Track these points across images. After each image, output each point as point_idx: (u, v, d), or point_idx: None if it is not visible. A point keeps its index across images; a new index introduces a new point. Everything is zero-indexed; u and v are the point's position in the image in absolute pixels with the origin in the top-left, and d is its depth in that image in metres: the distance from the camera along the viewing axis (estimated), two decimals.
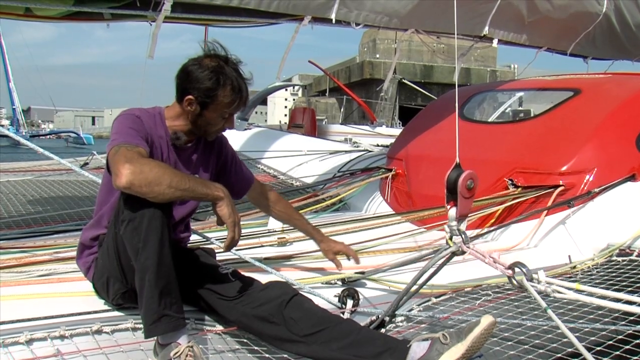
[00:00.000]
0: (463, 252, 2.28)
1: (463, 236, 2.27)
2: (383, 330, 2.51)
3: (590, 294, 2.17)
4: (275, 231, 3.66)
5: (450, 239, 2.29)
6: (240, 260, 2.83)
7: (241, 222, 2.50)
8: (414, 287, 2.50)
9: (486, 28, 5.47)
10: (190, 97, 2.36)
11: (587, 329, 2.44)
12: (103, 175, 2.46)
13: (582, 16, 6.18)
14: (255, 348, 2.28)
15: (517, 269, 2.10)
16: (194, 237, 2.82)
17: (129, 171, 2.00)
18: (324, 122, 20.24)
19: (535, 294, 2.05)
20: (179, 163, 2.46)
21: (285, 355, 2.23)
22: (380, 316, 2.53)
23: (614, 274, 3.15)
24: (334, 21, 4.55)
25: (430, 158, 4.71)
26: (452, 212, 2.27)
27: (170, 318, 2.08)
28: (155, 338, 2.12)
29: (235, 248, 2.78)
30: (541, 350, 2.32)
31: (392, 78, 24.34)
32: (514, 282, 2.10)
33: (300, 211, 4.53)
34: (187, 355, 2.04)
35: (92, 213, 2.56)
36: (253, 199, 2.91)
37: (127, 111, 2.39)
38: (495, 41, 5.98)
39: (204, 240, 2.85)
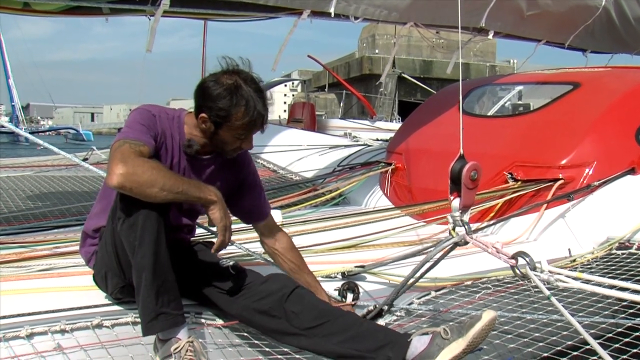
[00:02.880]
0: (466, 243, 2.28)
1: (466, 227, 2.27)
2: (381, 320, 2.51)
3: (594, 283, 2.16)
4: (284, 232, 3.66)
5: (454, 229, 2.29)
6: (241, 253, 2.83)
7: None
8: (413, 279, 2.50)
9: (484, 20, 5.47)
10: (204, 115, 2.27)
11: (586, 322, 2.44)
12: None
13: (582, 9, 6.18)
14: (256, 342, 2.28)
15: (520, 259, 2.09)
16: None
17: (121, 171, 1.98)
18: (323, 117, 20.24)
19: (538, 282, 2.05)
20: (189, 171, 2.38)
21: (286, 349, 2.24)
22: (378, 306, 2.53)
23: (613, 267, 3.16)
24: (332, 15, 4.54)
25: (430, 152, 4.71)
26: (456, 202, 2.27)
27: (168, 316, 2.07)
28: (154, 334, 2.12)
29: (238, 242, 2.78)
30: (541, 343, 2.33)
31: (391, 73, 24.34)
32: (517, 271, 2.10)
33: (300, 205, 4.56)
34: (187, 351, 2.03)
35: (92, 206, 2.55)
36: (260, 234, 2.67)
37: (145, 106, 2.33)
38: (491, 33, 5.98)
39: (207, 234, 2.84)
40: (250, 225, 2.68)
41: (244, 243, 2.92)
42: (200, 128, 2.32)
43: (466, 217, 2.30)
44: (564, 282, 2.09)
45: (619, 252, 3.44)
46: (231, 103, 2.22)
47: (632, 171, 3.99)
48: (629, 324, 2.41)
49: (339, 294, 2.66)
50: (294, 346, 2.23)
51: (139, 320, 2.15)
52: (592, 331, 2.37)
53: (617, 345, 2.24)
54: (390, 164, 5.04)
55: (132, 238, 2.06)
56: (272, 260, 2.70)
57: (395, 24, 6.01)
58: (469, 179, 2.25)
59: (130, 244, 2.07)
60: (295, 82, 47.44)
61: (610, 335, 2.35)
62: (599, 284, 2.15)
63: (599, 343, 2.12)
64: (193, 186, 2.12)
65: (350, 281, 2.74)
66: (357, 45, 31.68)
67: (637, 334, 2.33)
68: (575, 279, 2.10)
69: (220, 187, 2.34)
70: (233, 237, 2.62)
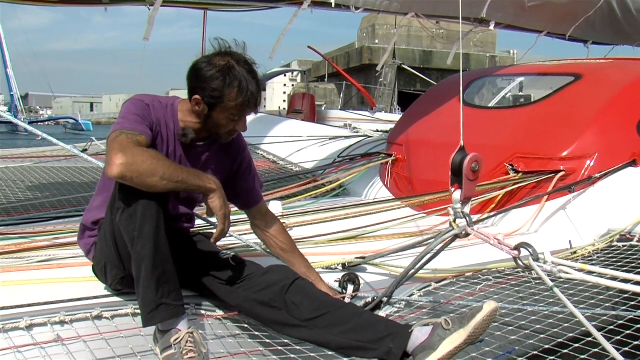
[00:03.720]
0: (467, 235, 2.27)
1: (467, 219, 2.25)
2: (381, 311, 2.51)
3: (597, 275, 2.15)
4: (276, 216, 3.65)
5: (454, 221, 2.28)
6: (241, 244, 2.82)
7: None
8: (413, 270, 2.49)
9: (485, 11, 5.45)
10: (197, 97, 2.26)
11: (587, 314, 2.43)
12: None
13: (583, 0, 6.16)
14: (256, 333, 2.28)
15: (523, 250, 2.08)
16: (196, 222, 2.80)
17: (121, 161, 1.97)
18: (323, 108, 20.22)
19: (541, 273, 2.04)
20: (184, 159, 2.37)
21: (286, 340, 2.23)
22: (377, 298, 2.52)
23: (614, 259, 3.16)
24: (333, 5, 4.54)
25: (430, 143, 4.70)
26: (457, 194, 2.25)
27: (168, 306, 2.07)
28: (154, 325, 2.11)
29: (237, 233, 2.77)
30: (542, 335, 2.32)
31: (391, 63, 24.29)
32: (520, 263, 2.09)
33: (300, 197, 4.55)
34: (187, 342, 2.03)
35: (91, 198, 2.54)
36: (253, 219, 2.65)
37: (137, 97, 2.31)
38: (492, 24, 5.96)
39: (207, 225, 2.83)
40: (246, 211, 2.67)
41: (243, 234, 2.91)
42: (194, 111, 2.31)
43: (467, 209, 2.29)
44: (567, 273, 2.08)
45: (620, 244, 3.44)
46: (224, 84, 2.21)
47: (633, 163, 3.99)
48: (630, 316, 2.41)
49: (339, 286, 2.66)
50: (294, 337, 2.23)
51: (138, 311, 2.14)
52: (594, 323, 2.36)
53: (618, 338, 2.23)
54: (390, 155, 5.03)
55: (132, 228, 2.05)
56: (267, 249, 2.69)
57: (396, 15, 5.98)
58: (470, 170, 2.24)
59: (130, 235, 2.06)
60: (295, 72, 47.37)
61: (611, 327, 2.35)
62: (602, 276, 2.14)
63: (601, 335, 2.11)
64: (193, 175, 2.12)
65: (351, 272, 2.73)
66: (357, 35, 31.60)
67: (639, 326, 2.33)
68: (578, 270, 2.09)
69: (216, 173, 2.34)
70: (233, 229, 2.61)
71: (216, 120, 2.30)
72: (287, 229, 3.46)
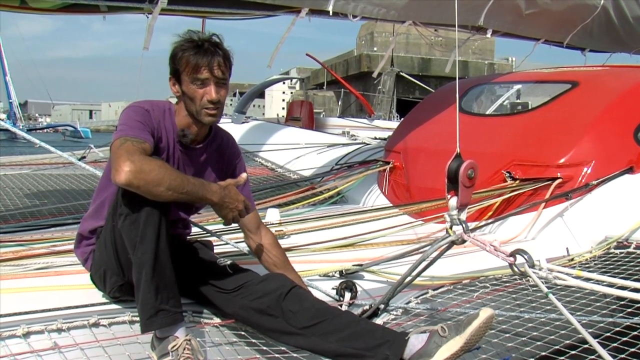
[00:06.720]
0: (463, 241, 2.27)
1: (464, 225, 2.26)
2: (378, 319, 2.51)
3: (590, 280, 2.16)
4: (273, 224, 3.66)
5: (451, 228, 2.28)
6: (238, 252, 2.82)
7: None
8: (410, 277, 2.49)
9: (482, 19, 5.47)
10: (170, 77, 2.35)
11: (584, 321, 2.43)
12: (107, 164, 2.43)
13: (580, 8, 6.18)
14: (253, 341, 2.28)
15: (518, 256, 2.09)
16: (192, 230, 2.80)
17: (128, 169, 1.99)
18: (321, 116, 20.23)
19: (537, 280, 2.05)
20: (183, 161, 2.40)
21: (283, 347, 2.23)
22: (373, 305, 2.53)
23: (611, 267, 3.16)
24: (331, 13, 4.53)
25: (428, 151, 4.70)
26: (453, 201, 2.26)
27: (167, 313, 2.07)
28: (152, 331, 2.12)
29: (234, 240, 2.77)
30: (539, 342, 2.33)
31: (389, 70, 24.34)
32: (516, 269, 2.09)
33: (298, 204, 4.56)
34: (184, 349, 2.03)
35: (89, 206, 2.54)
36: (246, 231, 2.57)
37: (137, 103, 2.34)
38: (489, 32, 5.98)
39: (203, 232, 2.84)
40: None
41: (240, 242, 2.92)
42: (176, 96, 2.37)
43: (463, 216, 2.30)
44: (562, 279, 2.08)
45: (617, 251, 3.44)
46: (179, 49, 2.30)
47: (630, 170, 3.99)
48: (627, 323, 2.41)
49: (336, 293, 2.66)
50: (291, 345, 2.23)
51: (136, 319, 2.15)
52: (590, 330, 2.36)
53: (615, 345, 2.23)
54: (388, 163, 5.03)
55: (134, 234, 2.06)
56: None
57: (394, 22, 5.99)
58: (466, 177, 2.25)
59: (132, 241, 2.08)
60: (294, 80, 47.45)
61: (608, 334, 2.35)
62: (599, 282, 2.15)
63: (597, 342, 2.11)
64: (198, 187, 2.14)
65: (348, 280, 2.74)
66: (356, 43, 31.69)
67: (635, 333, 2.33)
68: (574, 276, 2.10)
69: (213, 175, 2.42)
70: (229, 237, 2.62)
71: (186, 92, 2.32)
72: (285, 237, 3.48)
